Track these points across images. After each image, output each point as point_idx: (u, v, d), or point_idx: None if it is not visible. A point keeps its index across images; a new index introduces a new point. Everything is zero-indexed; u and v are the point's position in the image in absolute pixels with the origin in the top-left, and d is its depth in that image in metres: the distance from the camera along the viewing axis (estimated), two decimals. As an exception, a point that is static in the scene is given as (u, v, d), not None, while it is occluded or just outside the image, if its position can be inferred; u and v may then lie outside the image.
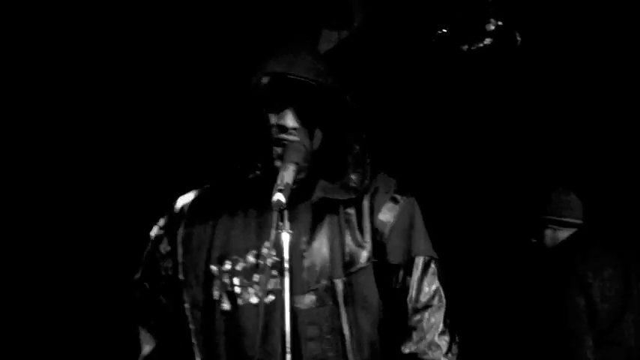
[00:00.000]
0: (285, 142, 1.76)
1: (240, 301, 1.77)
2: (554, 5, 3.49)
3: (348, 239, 1.79)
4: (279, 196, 1.60)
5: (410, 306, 1.78)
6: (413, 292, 1.79)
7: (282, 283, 1.60)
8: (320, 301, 1.74)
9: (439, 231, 1.93)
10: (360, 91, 1.99)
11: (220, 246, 1.82)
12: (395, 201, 1.83)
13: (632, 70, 3.64)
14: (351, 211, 1.81)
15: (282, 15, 3.18)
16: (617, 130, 3.79)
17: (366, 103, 2.05)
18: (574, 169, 3.77)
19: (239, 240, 1.81)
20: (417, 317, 1.78)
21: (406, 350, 1.78)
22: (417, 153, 3.82)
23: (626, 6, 3.40)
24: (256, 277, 1.77)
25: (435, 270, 1.82)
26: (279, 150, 1.77)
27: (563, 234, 3.23)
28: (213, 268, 1.81)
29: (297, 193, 1.69)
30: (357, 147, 1.84)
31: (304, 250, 1.76)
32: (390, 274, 1.80)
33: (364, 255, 1.78)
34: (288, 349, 1.58)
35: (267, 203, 1.70)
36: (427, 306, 1.79)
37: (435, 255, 1.84)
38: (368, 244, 1.79)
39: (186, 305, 1.83)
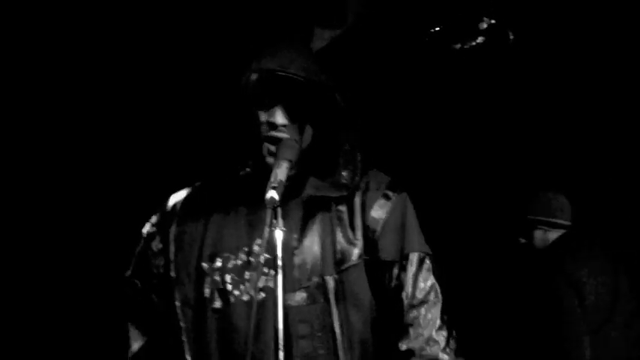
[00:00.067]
0: (274, 139, 1.76)
1: (231, 299, 1.76)
2: (546, 3, 3.49)
3: (340, 236, 1.78)
4: (272, 194, 1.60)
5: (406, 302, 1.78)
6: (408, 289, 1.78)
7: (275, 281, 1.59)
8: (311, 298, 1.74)
9: (431, 228, 1.93)
10: (353, 89, 1.99)
11: (212, 243, 1.82)
12: (387, 197, 1.83)
13: (624, 72, 3.65)
14: (343, 208, 1.81)
15: (275, 13, 3.17)
16: (606, 133, 3.80)
17: (359, 100, 2.05)
18: (564, 171, 3.78)
19: (230, 237, 1.81)
20: (414, 314, 1.77)
21: (404, 347, 1.77)
22: (409, 150, 3.82)
23: (619, 4, 3.40)
24: (248, 275, 1.76)
25: (430, 266, 1.81)
26: (270, 147, 1.77)
27: (553, 235, 3.26)
28: (205, 265, 1.81)
29: (288, 191, 1.68)
30: (348, 144, 1.84)
31: (295, 248, 1.75)
32: (383, 271, 1.80)
33: (355, 252, 1.78)
34: (280, 347, 1.58)
35: (258, 200, 1.71)
36: (423, 302, 1.78)
37: (428, 250, 1.83)
38: (359, 242, 1.78)
39: (177, 303, 1.82)
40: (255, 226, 1.78)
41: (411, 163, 3.68)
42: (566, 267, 3.07)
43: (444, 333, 1.77)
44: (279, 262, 1.60)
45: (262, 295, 1.72)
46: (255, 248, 1.77)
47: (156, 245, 1.91)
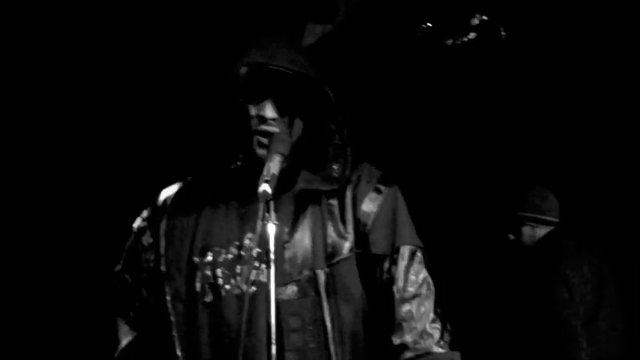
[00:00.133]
0: (264, 132, 1.75)
1: (222, 293, 1.76)
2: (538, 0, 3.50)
3: (331, 230, 1.78)
4: (265, 187, 1.59)
5: (398, 296, 1.77)
6: (400, 282, 1.77)
7: (267, 275, 1.58)
8: (302, 292, 1.73)
9: (421, 221, 1.92)
10: (344, 83, 1.98)
11: (203, 237, 1.81)
12: (378, 191, 1.82)
13: (613, 69, 3.66)
14: (334, 202, 1.81)
15: (265, 7, 3.16)
16: (595, 131, 3.81)
17: (350, 94, 2.05)
18: (551, 169, 3.80)
19: (221, 231, 1.80)
20: (407, 307, 1.76)
21: (397, 341, 1.76)
22: (400, 145, 3.82)
23: (611, 1, 3.41)
24: (239, 269, 1.76)
25: (422, 258, 1.80)
26: (260, 139, 1.76)
27: (541, 232, 3.30)
28: (196, 259, 1.80)
29: (280, 184, 1.67)
30: (338, 138, 1.83)
31: (286, 242, 1.75)
32: (374, 265, 1.79)
33: (346, 246, 1.77)
34: (273, 341, 1.57)
35: (249, 194, 1.71)
36: (416, 295, 1.77)
37: (420, 243, 1.83)
38: (350, 235, 1.78)
39: (168, 297, 1.81)
40: (246, 220, 1.78)
41: (402, 157, 3.68)
42: (555, 262, 3.10)
43: (438, 326, 1.76)
44: (272, 256, 1.59)
45: (253, 288, 1.71)
46: (246, 242, 1.76)
47: (146, 240, 1.90)
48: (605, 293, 3.13)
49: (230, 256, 1.78)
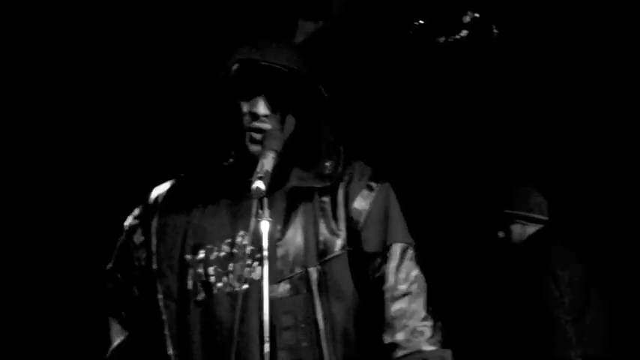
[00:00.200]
0: (257, 129, 1.75)
1: (214, 291, 1.75)
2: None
3: (323, 227, 1.77)
4: (259, 184, 1.59)
5: (389, 294, 1.76)
6: (391, 280, 1.76)
7: (260, 272, 1.58)
8: (294, 289, 1.72)
9: (412, 219, 1.92)
10: (336, 80, 1.98)
11: (194, 235, 1.80)
12: (370, 189, 1.82)
13: (603, 68, 3.67)
14: (326, 199, 1.80)
15: (257, 4, 3.16)
16: (583, 131, 3.82)
17: (342, 92, 2.04)
18: (542, 168, 3.81)
19: (213, 229, 1.80)
20: (397, 305, 1.75)
21: (388, 340, 1.74)
22: (391, 142, 3.82)
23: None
24: (231, 267, 1.75)
25: (413, 256, 1.80)
26: (253, 135, 1.75)
27: (531, 229, 3.32)
28: (188, 257, 1.79)
29: (273, 181, 1.67)
30: (331, 135, 1.83)
31: (278, 239, 1.74)
32: (366, 263, 1.78)
33: (338, 243, 1.77)
34: (266, 339, 1.57)
35: (241, 191, 1.71)
36: (407, 293, 1.76)
37: (412, 241, 1.82)
38: (342, 233, 1.77)
39: (160, 296, 1.80)
40: (238, 217, 1.77)
41: (393, 154, 3.68)
42: (545, 260, 3.12)
43: (429, 324, 1.75)
44: (265, 254, 1.58)
45: (246, 286, 1.71)
46: (239, 239, 1.76)
47: (138, 238, 1.89)
48: (592, 292, 3.16)
49: (222, 253, 1.77)
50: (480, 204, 3.68)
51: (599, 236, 3.45)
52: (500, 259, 3.43)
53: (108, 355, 1.91)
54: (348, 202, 1.79)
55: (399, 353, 1.73)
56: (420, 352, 1.72)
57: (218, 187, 1.83)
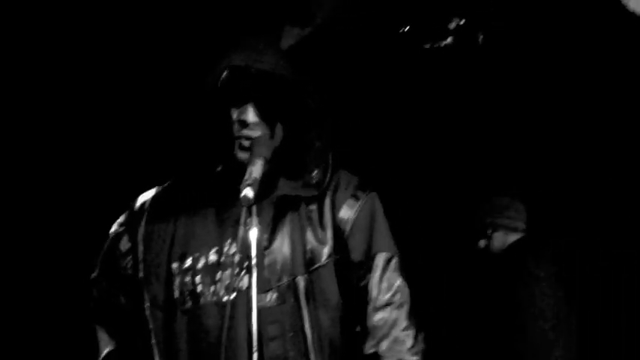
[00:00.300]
0: (246, 137, 1.73)
1: (201, 300, 1.74)
2: (517, 6, 3.52)
3: (310, 236, 1.77)
4: (247, 192, 1.57)
5: (372, 304, 1.77)
6: (374, 290, 1.77)
7: (249, 281, 1.57)
8: (281, 298, 1.72)
9: (397, 228, 1.93)
10: (322, 87, 1.97)
11: (181, 243, 1.79)
12: (356, 198, 1.82)
13: (587, 78, 3.70)
14: (313, 207, 1.80)
15: (243, 10, 3.15)
16: (561, 140, 3.86)
17: (327, 99, 2.03)
18: (521, 177, 3.84)
19: (201, 237, 1.78)
20: (379, 315, 1.77)
21: (370, 350, 1.76)
22: (375, 151, 3.83)
23: (586, 8, 3.44)
24: (219, 275, 1.74)
25: (397, 266, 1.80)
26: (242, 142, 1.74)
27: (512, 238, 3.35)
28: (174, 265, 1.78)
29: (261, 189, 1.65)
30: (319, 143, 1.82)
31: (266, 248, 1.73)
32: (351, 272, 1.79)
33: (325, 252, 1.77)
34: (254, 348, 1.56)
35: (229, 199, 1.70)
36: (389, 303, 1.77)
37: (396, 251, 1.83)
38: (329, 241, 1.77)
39: (147, 304, 1.79)
40: (226, 225, 1.76)
41: (375, 162, 3.69)
42: (526, 268, 3.16)
43: (411, 333, 1.76)
44: (254, 262, 1.57)
45: (234, 295, 1.70)
46: (227, 248, 1.75)
47: (124, 245, 1.88)
48: (570, 301, 3.20)
49: (210, 262, 1.76)
50: (461, 213, 3.70)
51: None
52: (481, 267, 3.45)
53: None
54: (334, 210, 1.79)
55: None
56: None
57: (206, 194, 1.82)
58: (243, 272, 1.70)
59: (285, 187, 1.79)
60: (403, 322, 1.76)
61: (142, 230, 1.84)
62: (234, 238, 1.70)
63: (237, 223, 1.64)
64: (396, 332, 1.75)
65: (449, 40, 3.60)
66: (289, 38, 3.19)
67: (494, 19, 3.46)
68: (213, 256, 1.75)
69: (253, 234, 1.59)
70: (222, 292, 1.72)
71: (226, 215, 1.76)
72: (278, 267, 1.73)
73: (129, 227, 1.88)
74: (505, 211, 3.37)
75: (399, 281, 1.79)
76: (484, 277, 3.41)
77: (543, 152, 3.89)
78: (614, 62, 3.57)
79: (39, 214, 3.36)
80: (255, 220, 1.60)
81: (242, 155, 1.73)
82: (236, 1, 3.17)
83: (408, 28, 3.58)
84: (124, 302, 1.87)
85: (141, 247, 1.83)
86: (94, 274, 1.92)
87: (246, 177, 1.61)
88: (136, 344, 1.82)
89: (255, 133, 1.73)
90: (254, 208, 1.60)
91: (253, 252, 1.58)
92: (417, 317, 1.79)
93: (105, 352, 1.89)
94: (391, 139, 3.93)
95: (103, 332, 1.90)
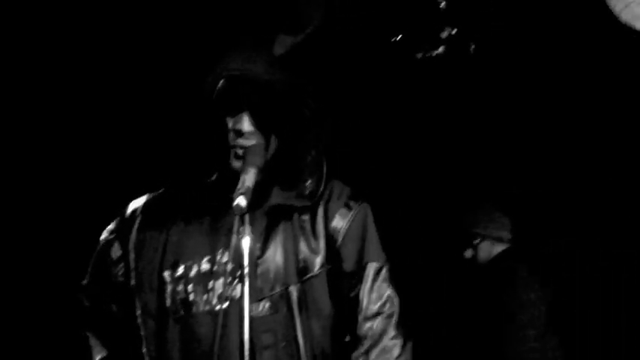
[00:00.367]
0: (241, 146, 1.73)
1: (193, 309, 1.73)
2: (506, 16, 3.54)
3: (303, 245, 1.77)
4: (240, 200, 1.57)
5: (362, 313, 1.78)
6: (365, 300, 1.79)
7: (242, 290, 1.56)
8: (274, 308, 1.72)
9: (386, 238, 1.94)
10: (316, 97, 1.97)
11: (174, 251, 1.79)
12: (348, 208, 1.82)
13: (583, 82, 3.71)
14: (306, 217, 1.80)
15: (235, 18, 3.15)
16: (546, 152, 3.86)
17: (323, 108, 2.04)
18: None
19: (193, 245, 1.78)
20: (369, 325, 1.78)
21: (359, 358, 1.77)
22: (364, 161, 3.84)
23: (574, 20, 3.46)
24: (211, 284, 1.74)
25: (387, 276, 1.82)
26: (237, 151, 1.74)
27: (498, 249, 3.37)
28: (166, 274, 1.78)
29: (254, 198, 1.65)
30: (313, 153, 1.83)
31: (258, 257, 1.73)
32: (342, 281, 1.80)
33: (318, 261, 1.77)
34: (247, 358, 1.55)
35: (222, 208, 1.70)
36: (379, 313, 1.79)
37: (386, 261, 1.84)
38: (322, 251, 1.78)
39: (138, 312, 1.79)
40: (218, 234, 1.76)
41: (361, 172, 3.70)
42: (512, 278, 3.20)
43: (399, 342, 1.78)
44: (246, 271, 1.57)
45: (226, 304, 1.69)
46: (219, 257, 1.74)
47: (115, 253, 1.87)
48: (552, 312, 3.23)
49: (202, 270, 1.75)
50: (447, 224, 3.72)
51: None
52: (468, 277, 3.47)
53: None
54: (327, 220, 1.80)
55: None
56: None
57: (199, 203, 1.82)
58: (235, 281, 1.70)
59: (278, 197, 1.79)
60: (392, 332, 1.78)
61: (133, 238, 1.84)
62: (227, 247, 1.70)
63: (229, 231, 1.64)
64: (385, 341, 1.77)
65: (440, 49, 3.61)
66: (280, 47, 3.19)
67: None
68: (205, 265, 1.75)
69: (246, 243, 1.58)
70: (214, 301, 1.71)
71: (219, 224, 1.76)
72: (271, 276, 1.73)
73: (120, 234, 1.87)
74: (490, 222, 3.39)
75: (388, 291, 1.81)
76: (471, 286, 3.43)
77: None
78: (607, 69, 3.58)
79: (29, 220, 3.34)
80: (247, 229, 1.59)
81: (236, 164, 1.73)
82: (228, 9, 3.18)
83: (400, 37, 3.59)
84: (115, 309, 1.87)
85: (132, 255, 1.83)
86: (84, 281, 1.92)
87: (239, 186, 1.61)
88: (128, 352, 1.81)
89: (250, 142, 1.73)
90: (247, 217, 1.59)
91: (246, 261, 1.57)
92: (406, 327, 1.81)
93: (97, 359, 1.87)
94: (380, 148, 3.93)
95: (94, 339, 1.89)
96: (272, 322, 1.71)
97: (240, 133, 1.73)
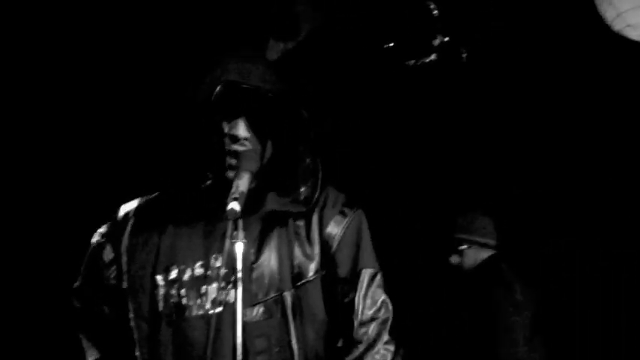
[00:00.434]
0: (237, 152, 1.74)
1: (186, 313, 1.73)
2: (498, 24, 3.55)
3: (297, 251, 1.78)
4: (234, 205, 1.57)
5: (356, 319, 1.79)
6: (359, 306, 1.79)
7: (235, 295, 1.56)
8: (268, 313, 1.72)
9: (385, 239, 1.93)
10: (309, 104, 1.97)
11: (167, 255, 1.78)
12: (343, 214, 1.83)
13: (574, 90, 3.72)
14: (301, 223, 1.81)
15: (228, 25, 3.16)
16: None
17: (317, 114, 2.04)
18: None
19: (186, 249, 1.78)
20: (363, 330, 1.78)
21: (350, 356, 1.77)
22: (367, 160, 3.83)
23: (567, 28, 3.47)
24: (204, 289, 1.73)
25: (381, 282, 1.83)
26: (231, 161, 1.74)
27: (484, 255, 3.38)
28: (159, 277, 1.77)
29: (249, 203, 1.65)
30: (309, 159, 1.83)
31: (253, 262, 1.73)
32: (336, 287, 1.80)
33: (312, 267, 1.78)
34: None
35: (216, 213, 1.70)
36: (373, 318, 1.79)
37: (379, 267, 1.85)
38: (316, 257, 1.78)
39: (131, 315, 1.78)
40: (212, 239, 1.76)
41: (364, 176, 3.70)
42: (499, 284, 3.21)
43: (391, 348, 1.79)
44: (239, 276, 1.57)
45: (219, 309, 1.69)
46: (213, 261, 1.74)
47: (107, 255, 1.86)
48: (537, 319, 3.24)
49: (195, 275, 1.75)
50: (433, 230, 3.73)
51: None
52: (454, 283, 3.48)
53: None
54: (321, 226, 1.81)
55: None
56: None
57: (193, 207, 1.81)
58: (229, 286, 1.70)
59: (273, 203, 1.79)
60: (386, 337, 1.79)
61: (125, 241, 1.83)
62: (220, 252, 1.70)
63: (223, 236, 1.64)
64: (379, 346, 1.77)
65: (432, 56, 3.62)
66: (273, 53, 3.21)
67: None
68: (199, 269, 1.75)
69: (239, 248, 1.58)
70: (208, 305, 1.71)
71: (213, 228, 1.76)
72: (265, 281, 1.73)
73: (112, 237, 1.86)
74: (476, 228, 3.40)
75: (383, 297, 1.82)
76: (458, 291, 3.44)
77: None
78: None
79: (21, 223, 3.31)
80: (241, 234, 1.59)
81: (231, 169, 1.73)
82: (222, 15, 3.19)
83: (392, 44, 3.60)
84: (107, 312, 1.86)
85: (125, 258, 1.82)
86: (76, 284, 1.91)
87: (232, 190, 1.61)
88: (121, 355, 1.80)
89: (245, 147, 1.74)
90: (240, 222, 1.59)
91: (239, 265, 1.57)
92: (398, 333, 1.81)
93: (92, 361, 1.87)
94: (375, 152, 3.93)
95: (87, 341, 1.88)
96: (266, 327, 1.71)
97: (235, 139, 1.74)
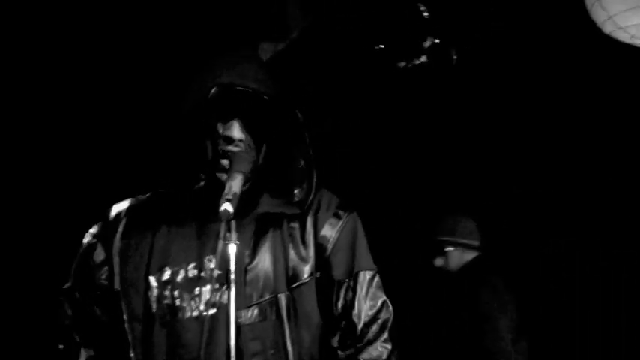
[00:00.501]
0: (230, 153, 1.73)
1: (180, 314, 1.72)
2: (498, 24, 3.54)
3: (292, 253, 1.78)
4: (227, 206, 1.57)
5: (358, 320, 1.79)
6: (360, 307, 1.80)
7: (228, 296, 1.55)
8: (262, 315, 1.72)
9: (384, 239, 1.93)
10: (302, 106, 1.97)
11: (160, 256, 1.78)
12: (338, 217, 1.83)
13: (574, 91, 3.71)
14: (295, 225, 1.80)
15: (220, 26, 3.16)
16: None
17: (311, 116, 2.03)
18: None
19: (179, 251, 1.77)
20: (364, 330, 1.79)
21: (347, 351, 1.78)
22: (362, 165, 3.83)
23: (559, 32, 3.46)
24: (198, 290, 1.73)
25: (380, 283, 1.84)
26: (224, 162, 1.74)
27: (468, 256, 3.39)
28: (152, 279, 1.77)
29: (242, 205, 1.65)
30: (303, 162, 1.83)
31: (247, 264, 1.73)
32: (332, 289, 1.80)
33: (307, 269, 1.78)
34: None
35: (209, 214, 1.69)
36: (375, 319, 1.80)
37: (376, 268, 1.86)
38: (311, 259, 1.78)
39: (124, 316, 1.77)
40: (205, 240, 1.75)
41: (357, 179, 3.69)
42: (483, 285, 3.21)
43: (388, 347, 1.79)
44: (232, 277, 1.56)
45: (213, 310, 1.69)
46: (206, 263, 1.74)
47: (98, 257, 1.85)
48: (522, 317, 3.26)
49: (189, 276, 1.74)
50: (417, 231, 3.73)
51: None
52: (439, 285, 3.49)
53: None
54: (316, 229, 1.81)
55: None
56: None
57: (186, 208, 1.81)
58: (223, 287, 1.70)
59: (267, 205, 1.79)
60: (384, 336, 1.80)
61: (117, 242, 1.83)
62: (214, 253, 1.69)
63: (216, 237, 1.62)
64: (377, 344, 1.79)
65: (423, 58, 3.61)
66: (264, 53, 3.20)
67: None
68: (192, 271, 1.74)
69: (232, 249, 1.58)
70: (201, 307, 1.71)
71: (206, 230, 1.76)
72: (260, 283, 1.73)
73: (103, 238, 1.85)
74: (460, 229, 3.40)
75: (383, 298, 1.83)
76: (443, 292, 3.45)
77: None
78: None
79: (11, 223, 3.30)
80: (234, 235, 1.58)
81: (224, 170, 1.72)
82: (216, 15, 3.18)
83: (382, 46, 3.59)
84: (99, 313, 1.85)
85: (116, 259, 1.81)
86: (67, 285, 1.89)
87: (225, 191, 1.61)
88: (114, 356, 1.79)
89: (239, 148, 1.73)
90: (233, 223, 1.59)
91: (232, 267, 1.57)
92: (395, 333, 1.82)
93: (82, 361, 1.86)
94: (370, 152, 3.93)
95: (78, 342, 1.86)
96: (260, 329, 1.70)
97: (229, 140, 1.73)
